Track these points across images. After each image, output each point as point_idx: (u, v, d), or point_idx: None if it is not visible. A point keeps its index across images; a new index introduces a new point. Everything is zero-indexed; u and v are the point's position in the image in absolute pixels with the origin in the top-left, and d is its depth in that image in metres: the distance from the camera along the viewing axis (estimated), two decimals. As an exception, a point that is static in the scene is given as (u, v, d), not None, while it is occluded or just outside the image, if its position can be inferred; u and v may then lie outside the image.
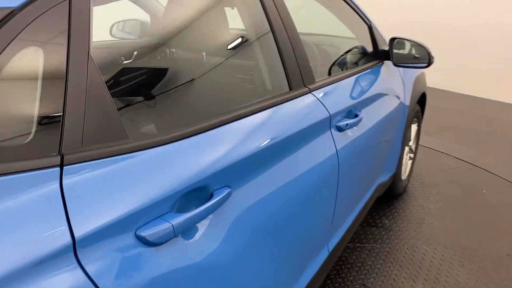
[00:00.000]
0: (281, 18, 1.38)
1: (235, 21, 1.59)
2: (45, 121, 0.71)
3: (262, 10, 1.35)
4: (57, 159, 0.69)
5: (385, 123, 2.00)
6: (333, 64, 1.99)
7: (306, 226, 1.36)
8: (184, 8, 1.66)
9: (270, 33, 1.36)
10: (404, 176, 2.80)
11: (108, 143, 0.77)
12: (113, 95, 0.81)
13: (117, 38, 2.46)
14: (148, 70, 1.45)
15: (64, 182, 0.68)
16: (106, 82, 0.81)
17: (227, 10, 1.68)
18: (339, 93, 1.60)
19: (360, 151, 1.70)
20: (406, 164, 2.83)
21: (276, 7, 1.38)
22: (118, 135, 0.80)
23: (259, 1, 1.34)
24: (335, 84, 1.59)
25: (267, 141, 1.12)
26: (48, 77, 0.72)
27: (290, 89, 1.34)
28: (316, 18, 2.38)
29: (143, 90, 1.34)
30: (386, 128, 2.05)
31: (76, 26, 0.76)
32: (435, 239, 2.38)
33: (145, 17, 2.26)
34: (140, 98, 1.28)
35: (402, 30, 2.68)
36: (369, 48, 2.12)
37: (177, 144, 0.89)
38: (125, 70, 1.42)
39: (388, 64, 2.13)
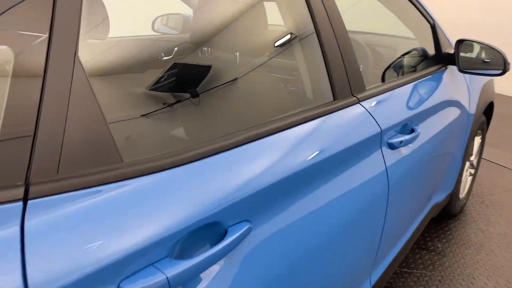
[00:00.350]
0: (327, 14, 1.18)
1: (273, 17, 1.41)
2: (9, 139, 0.56)
3: (305, 4, 1.15)
4: (20, 191, 0.54)
5: (445, 137, 1.75)
6: (388, 68, 1.75)
7: (346, 260, 1.15)
8: (217, 3, 1.49)
9: (314, 31, 1.17)
10: (462, 194, 2.51)
11: (94, 169, 0.61)
12: (108, 107, 0.65)
13: (160, 33, 2.35)
14: (169, 72, 1.30)
15: (26, 222, 0.53)
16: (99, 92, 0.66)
17: (266, 4, 1.50)
18: (394, 104, 1.37)
19: (414, 171, 1.47)
20: (466, 180, 2.53)
21: (323, 3, 1.18)
22: (108, 157, 0.64)
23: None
24: (389, 92, 1.37)
25: (302, 162, 0.94)
26: (18, 82, 0.58)
27: (335, 99, 1.14)
28: (369, 14, 2.15)
29: (157, 96, 1.19)
30: (446, 142, 1.79)
31: (61, 19, 0.61)
32: (496, 271, 2.09)
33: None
34: (148, 107, 1.12)
35: (467, 32, 2.37)
36: (430, 51, 1.86)
37: (185, 168, 0.72)
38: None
39: (452, 69, 1.86)
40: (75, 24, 0.63)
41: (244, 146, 0.84)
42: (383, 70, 1.70)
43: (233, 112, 1.23)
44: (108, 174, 0.62)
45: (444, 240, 2.33)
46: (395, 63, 1.79)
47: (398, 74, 1.74)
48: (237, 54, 1.40)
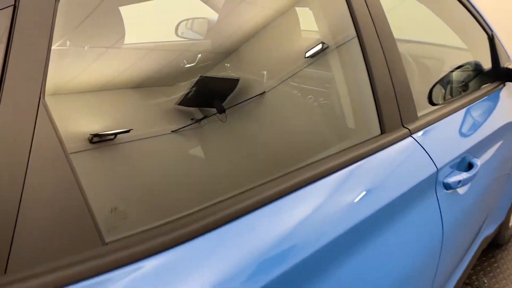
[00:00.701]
0: (373, 23, 0.98)
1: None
2: None
3: (346, 9, 0.96)
4: None
5: (501, 167, 1.52)
6: (435, 85, 1.52)
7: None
8: (243, 9, 1.31)
9: (358, 45, 0.97)
10: (511, 222, 2.25)
11: (61, 260, 0.44)
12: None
13: (184, 38, 2.20)
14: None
15: None
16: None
17: (299, 10, 1.30)
18: (449, 134, 1.16)
19: (470, 209, 1.25)
20: (515, 207, 2.27)
21: (368, 8, 0.98)
22: (85, 242, 0.46)
23: (345, 2, 0.95)
24: (443, 120, 1.15)
25: (348, 218, 0.76)
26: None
27: (383, 131, 0.94)
28: (414, 19, 1.92)
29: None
30: (502, 172, 1.56)
31: (22, 51, 0.44)
32: (553, 315, 1.83)
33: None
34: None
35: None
36: (485, 64, 1.62)
37: (192, 245, 0.55)
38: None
39: (510, 87, 1.62)
40: (43, 55, 0.45)
41: (279, 201, 0.71)
42: (430, 87, 1.48)
43: (261, 131, 1.07)
44: (86, 266, 0.45)
45: (490, 274, 2.09)
46: (444, 79, 1.56)
47: (447, 92, 1.51)
48: (264, 66, 1.23)
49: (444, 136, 1.12)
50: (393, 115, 0.97)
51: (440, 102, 1.39)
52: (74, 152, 0.68)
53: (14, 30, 0.45)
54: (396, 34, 1.90)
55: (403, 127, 0.99)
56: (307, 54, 1.24)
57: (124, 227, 0.59)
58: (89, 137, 0.71)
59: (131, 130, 0.78)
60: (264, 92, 1.12)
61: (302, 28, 1.38)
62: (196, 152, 0.99)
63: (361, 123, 1.03)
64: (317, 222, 0.73)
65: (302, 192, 0.74)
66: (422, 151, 0.99)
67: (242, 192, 0.70)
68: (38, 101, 0.46)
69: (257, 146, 1.01)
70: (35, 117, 0.46)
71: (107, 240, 0.50)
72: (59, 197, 0.47)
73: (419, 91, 1.60)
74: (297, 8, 1.37)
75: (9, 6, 0.46)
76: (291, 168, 0.82)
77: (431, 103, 1.36)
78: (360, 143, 0.90)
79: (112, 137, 0.74)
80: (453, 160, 1.10)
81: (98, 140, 0.72)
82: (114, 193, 0.71)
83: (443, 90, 1.53)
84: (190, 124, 0.99)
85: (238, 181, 0.82)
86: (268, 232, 0.67)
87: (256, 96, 1.10)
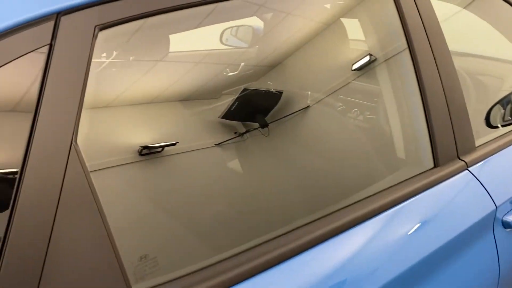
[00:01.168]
0: (428, 39, 0.91)
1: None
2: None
3: (398, 20, 0.89)
4: None
5: None
6: (494, 106, 1.41)
7: None
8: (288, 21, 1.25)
9: (411, 63, 0.89)
10: None
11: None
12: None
13: (229, 46, 2.18)
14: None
15: None
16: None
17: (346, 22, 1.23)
18: (510, 165, 1.05)
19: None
20: None
21: (422, 21, 0.90)
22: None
23: (396, 11, 0.88)
24: (505, 150, 1.05)
25: (399, 263, 0.73)
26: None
27: (436, 165, 0.86)
28: (469, 31, 1.80)
29: None
30: None
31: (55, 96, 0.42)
32: None
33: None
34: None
35: None
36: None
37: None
38: None
39: None
40: (77, 98, 0.44)
41: (327, 242, 0.69)
42: (487, 109, 1.37)
43: (304, 151, 1.04)
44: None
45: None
46: (504, 99, 1.44)
47: (507, 113, 1.39)
48: (308, 80, 1.19)
49: (505, 169, 1.02)
50: (448, 146, 0.89)
51: (500, 125, 1.28)
52: (124, 164, 0.70)
53: (48, 72, 0.44)
54: (451, 48, 1.78)
55: (459, 158, 0.90)
56: (354, 67, 1.17)
57: (153, 275, 0.57)
58: (139, 149, 0.73)
59: (177, 143, 0.79)
60: (308, 106, 1.08)
61: (349, 39, 1.31)
62: (237, 167, 0.99)
63: (411, 157, 0.96)
64: (367, 266, 0.69)
65: (351, 232, 0.71)
66: (479, 186, 0.90)
67: (287, 232, 0.68)
68: (70, 144, 0.46)
69: (299, 167, 0.98)
70: (66, 160, 0.45)
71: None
72: (87, 244, 0.45)
73: (475, 112, 1.50)
74: (343, 20, 1.31)
75: (45, 45, 0.45)
76: (336, 199, 0.79)
77: (489, 125, 1.25)
78: (412, 177, 0.83)
79: (160, 149, 0.76)
80: (515, 195, 1.00)
81: (147, 152, 0.74)
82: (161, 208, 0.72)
83: (502, 111, 1.41)
84: (233, 138, 0.98)
85: (281, 207, 0.83)
86: (313, 275, 0.64)
87: (299, 110, 1.05)
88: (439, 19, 1.21)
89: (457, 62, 1.77)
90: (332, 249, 0.69)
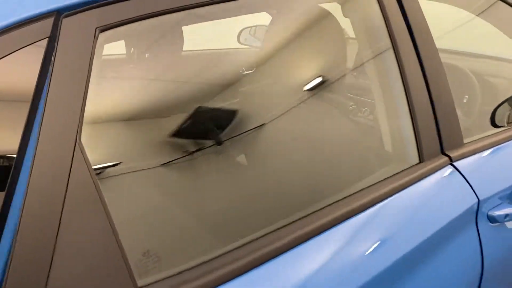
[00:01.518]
0: (414, 41, 0.92)
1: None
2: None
3: (383, 22, 0.90)
4: None
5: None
6: (499, 106, 1.41)
7: None
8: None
9: (394, 60, 0.91)
10: None
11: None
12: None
13: (247, 45, 2.23)
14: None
15: None
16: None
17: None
18: (501, 161, 1.07)
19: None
20: None
21: (407, 20, 0.92)
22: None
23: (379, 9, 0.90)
24: (497, 147, 1.07)
25: (382, 259, 0.75)
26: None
27: (421, 161, 0.90)
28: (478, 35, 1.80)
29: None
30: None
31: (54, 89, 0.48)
32: None
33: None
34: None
35: None
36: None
37: None
38: None
39: None
40: (80, 93, 0.49)
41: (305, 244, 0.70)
42: (492, 111, 1.37)
43: (264, 162, 1.03)
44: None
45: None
46: (508, 101, 1.45)
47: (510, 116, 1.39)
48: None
49: (493, 165, 1.04)
50: (431, 141, 0.91)
51: (506, 125, 1.30)
52: None
53: (52, 71, 0.48)
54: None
55: (443, 153, 0.94)
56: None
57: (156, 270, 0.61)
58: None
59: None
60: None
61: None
62: (186, 185, 0.97)
63: (397, 152, 0.97)
64: (351, 262, 0.72)
65: (334, 231, 0.73)
66: (462, 181, 0.93)
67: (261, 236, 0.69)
68: (74, 143, 0.48)
69: (261, 175, 0.98)
70: (71, 159, 0.47)
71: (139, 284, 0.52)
72: (93, 242, 0.49)
73: (480, 112, 1.50)
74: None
75: (46, 45, 0.48)
76: (321, 197, 0.80)
77: (494, 125, 1.27)
78: (396, 173, 0.87)
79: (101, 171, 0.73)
80: (503, 191, 1.02)
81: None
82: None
83: (509, 112, 1.42)
84: (181, 157, 0.97)
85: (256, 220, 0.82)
86: (295, 276, 0.66)
87: (255, 128, 1.02)
88: (454, 25, 1.18)
89: (469, 64, 1.77)
90: (316, 247, 0.71)
